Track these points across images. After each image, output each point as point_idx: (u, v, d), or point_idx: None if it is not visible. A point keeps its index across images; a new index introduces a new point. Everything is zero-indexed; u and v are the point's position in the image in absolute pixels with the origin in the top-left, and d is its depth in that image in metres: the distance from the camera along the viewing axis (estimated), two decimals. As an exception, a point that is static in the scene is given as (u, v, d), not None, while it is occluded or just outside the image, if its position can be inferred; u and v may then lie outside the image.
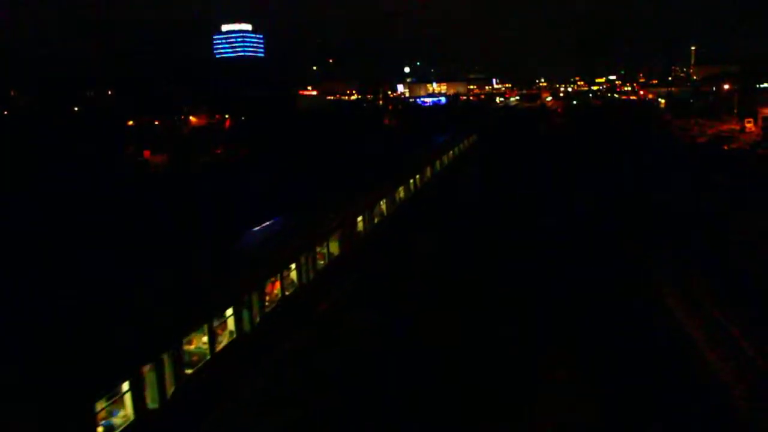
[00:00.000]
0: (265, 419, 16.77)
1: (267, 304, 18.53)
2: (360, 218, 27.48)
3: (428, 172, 44.86)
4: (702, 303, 23.32)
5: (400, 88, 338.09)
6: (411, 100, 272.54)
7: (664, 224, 36.24)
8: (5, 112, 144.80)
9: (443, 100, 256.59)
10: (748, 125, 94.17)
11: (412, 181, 38.57)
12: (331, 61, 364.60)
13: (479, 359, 19.94)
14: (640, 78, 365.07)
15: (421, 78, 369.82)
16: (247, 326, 17.12)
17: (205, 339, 15.57)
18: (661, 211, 39.53)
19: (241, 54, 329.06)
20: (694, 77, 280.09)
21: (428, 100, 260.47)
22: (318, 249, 22.53)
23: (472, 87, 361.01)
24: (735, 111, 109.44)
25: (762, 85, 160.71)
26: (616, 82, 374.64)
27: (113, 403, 12.40)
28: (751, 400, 16.93)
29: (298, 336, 20.13)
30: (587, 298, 24.57)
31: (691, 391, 17.68)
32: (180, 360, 14.26)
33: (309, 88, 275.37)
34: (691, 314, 22.67)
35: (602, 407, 17.21)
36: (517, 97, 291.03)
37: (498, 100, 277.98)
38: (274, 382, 18.47)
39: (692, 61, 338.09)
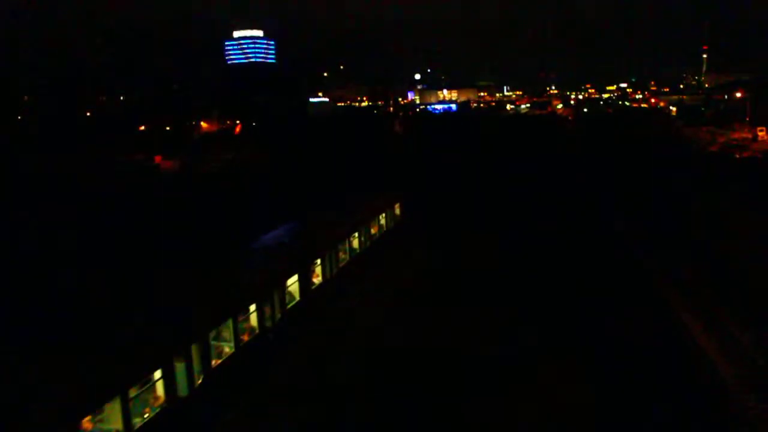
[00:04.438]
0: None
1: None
2: None
3: None
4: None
5: (411, 94, 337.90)
6: (422, 106, 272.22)
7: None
8: (18, 117, 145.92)
9: (454, 107, 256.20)
10: (760, 134, 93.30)
11: None
12: (342, 67, 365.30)
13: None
14: (652, 86, 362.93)
15: (432, 85, 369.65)
16: None
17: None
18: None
19: (253, 60, 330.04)
20: (706, 85, 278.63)
21: (439, 107, 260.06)
22: None
23: (482, 94, 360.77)
24: (747, 119, 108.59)
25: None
26: (628, 89, 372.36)
27: None
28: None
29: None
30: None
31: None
32: None
33: (320, 94, 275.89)
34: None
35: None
36: (528, 105, 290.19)
37: (509, 107, 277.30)
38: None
39: (704, 69, 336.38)
